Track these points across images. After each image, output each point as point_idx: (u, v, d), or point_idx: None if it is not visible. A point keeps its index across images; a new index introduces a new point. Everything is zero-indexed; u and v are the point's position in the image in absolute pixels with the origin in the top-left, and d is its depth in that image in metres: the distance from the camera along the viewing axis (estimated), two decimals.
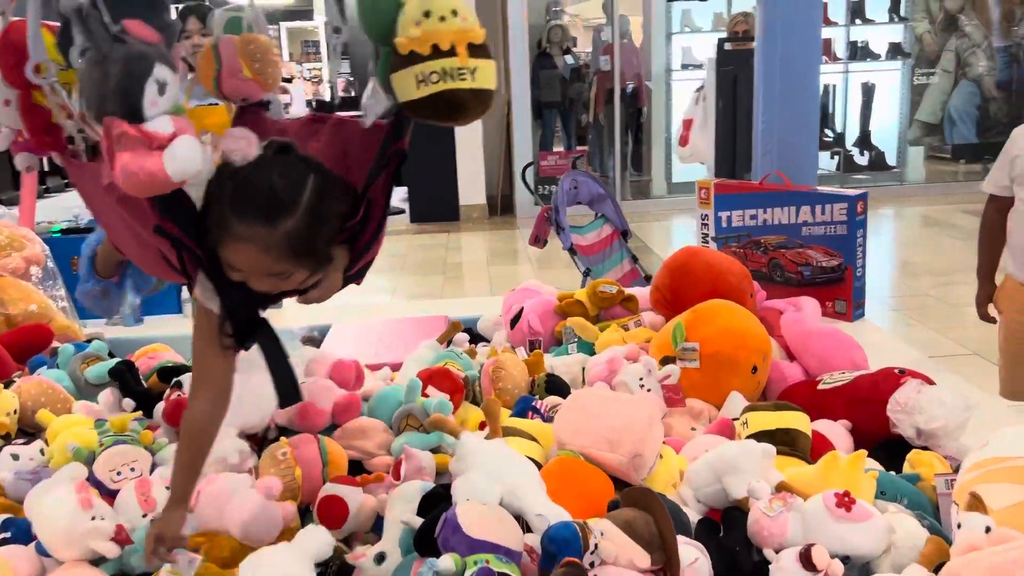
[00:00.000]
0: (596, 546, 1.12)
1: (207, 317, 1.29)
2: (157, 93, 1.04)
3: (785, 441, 1.53)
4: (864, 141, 9.09)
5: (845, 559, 1.21)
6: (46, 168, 7.55)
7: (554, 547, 1.13)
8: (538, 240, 3.83)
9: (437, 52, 1.14)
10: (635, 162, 9.55)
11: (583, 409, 1.53)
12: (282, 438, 1.67)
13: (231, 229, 1.14)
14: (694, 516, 1.40)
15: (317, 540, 1.22)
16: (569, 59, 9.13)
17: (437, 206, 8.68)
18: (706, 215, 2.88)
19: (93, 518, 1.39)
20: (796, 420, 1.56)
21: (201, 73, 1.47)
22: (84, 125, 1.37)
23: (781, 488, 1.36)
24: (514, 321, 2.55)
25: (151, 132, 1.02)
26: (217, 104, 3.35)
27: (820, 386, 1.85)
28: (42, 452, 1.72)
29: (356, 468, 1.73)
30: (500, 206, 9.04)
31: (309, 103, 12.18)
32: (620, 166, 8.91)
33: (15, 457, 1.69)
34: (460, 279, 6.47)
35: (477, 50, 1.17)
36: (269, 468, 1.60)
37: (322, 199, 1.19)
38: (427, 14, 1.14)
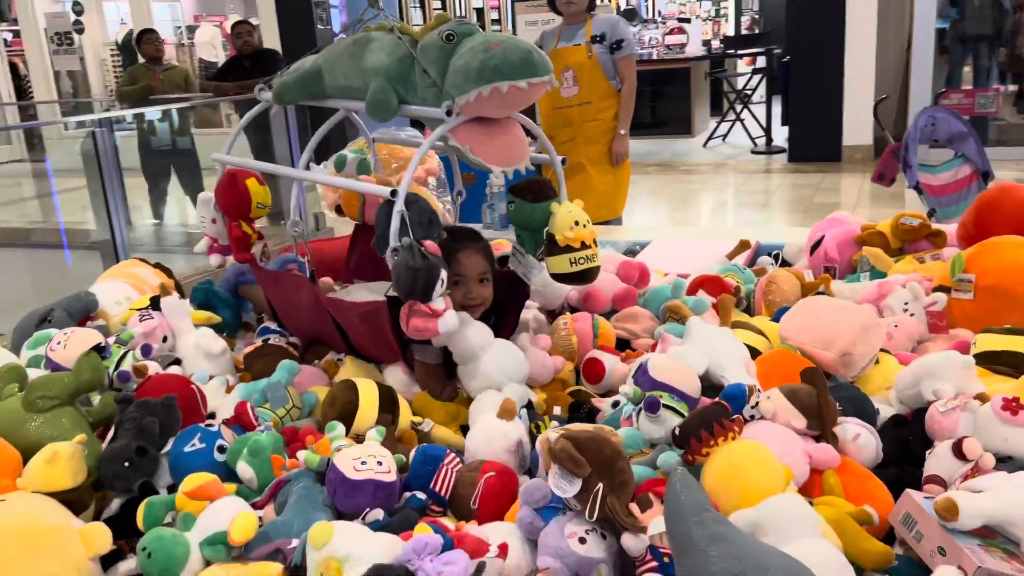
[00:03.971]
0: (757, 403, 1.37)
1: (425, 368, 1.84)
2: (441, 286, 1.60)
3: (1012, 363, 1.57)
4: None
5: (1008, 459, 1.30)
6: None
7: (726, 399, 1.40)
8: (882, 177, 3.76)
9: (583, 245, 1.87)
10: None
11: (808, 311, 1.72)
12: (567, 312, 2.09)
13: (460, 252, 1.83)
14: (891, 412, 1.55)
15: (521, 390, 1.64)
16: None
17: (818, 146, 8.46)
18: None
19: None
20: None
21: None
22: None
23: (979, 398, 1.45)
24: (814, 248, 2.67)
25: (434, 308, 1.61)
26: (579, 45, 3.89)
27: None
28: None
29: (625, 344, 2.09)
30: None
31: (707, 43, 12.30)
32: None
33: None
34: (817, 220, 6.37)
35: (594, 242, 1.90)
36: (553, 334, 2.04)
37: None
38: (576, 223, 1.87)
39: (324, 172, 2.46)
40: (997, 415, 1.31)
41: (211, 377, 1.84)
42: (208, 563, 1.22)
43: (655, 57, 12.32)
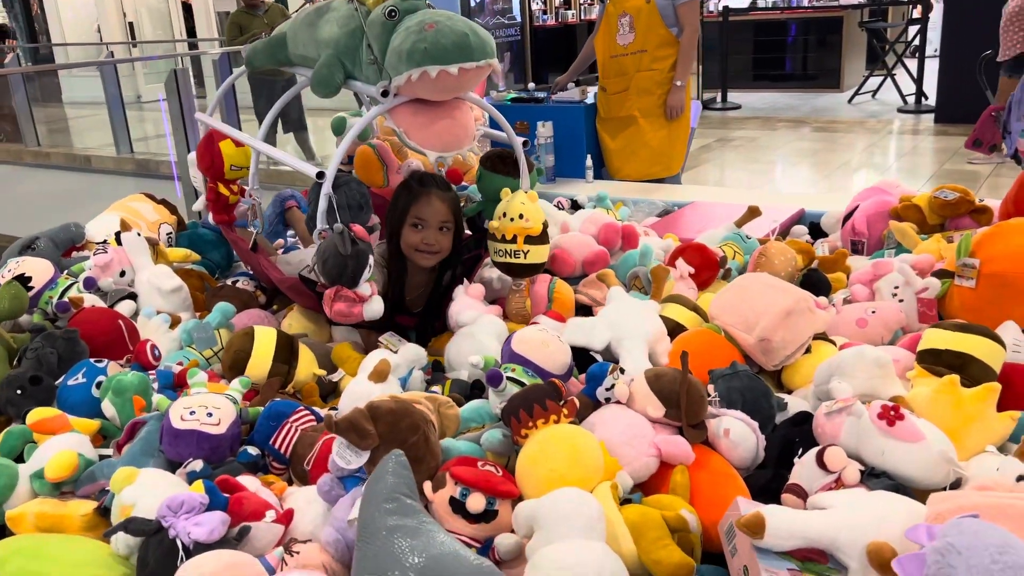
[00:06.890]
0: (613, 385, 1.25)
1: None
2: (368, 271, 1.59)
3: (952, 364, 1.36)
4: None
5: (883, 474, 1.13)
6: None
7: (588, 378, 1.29)
8: (978, 143, 3.35)
9: (504, 239, 1.80)
10: None
11: (739, 290, 1.55)
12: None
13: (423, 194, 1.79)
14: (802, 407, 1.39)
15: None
16: None
17: (970, 105, 7.64)
18: None
19: None
20: (976, 345, 1.36)
21: None
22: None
23: (894, 401, 1.27)
24: (847, 219, 2.42)
25: (360, 293, 1.59)
26: None
27: None
28: None
29: (586, 311, 1.98)
30: None
31: None
32: None
33: None
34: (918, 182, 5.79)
35: (533, 239, 1.79)
36: (510, 297, 1.95)
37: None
38: (504, 214, 1.80)
39: None
40: (875, 423, 1.14)
41: (158, 313, 1.89)
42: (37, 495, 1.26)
43: (805, 4, 11.52)
